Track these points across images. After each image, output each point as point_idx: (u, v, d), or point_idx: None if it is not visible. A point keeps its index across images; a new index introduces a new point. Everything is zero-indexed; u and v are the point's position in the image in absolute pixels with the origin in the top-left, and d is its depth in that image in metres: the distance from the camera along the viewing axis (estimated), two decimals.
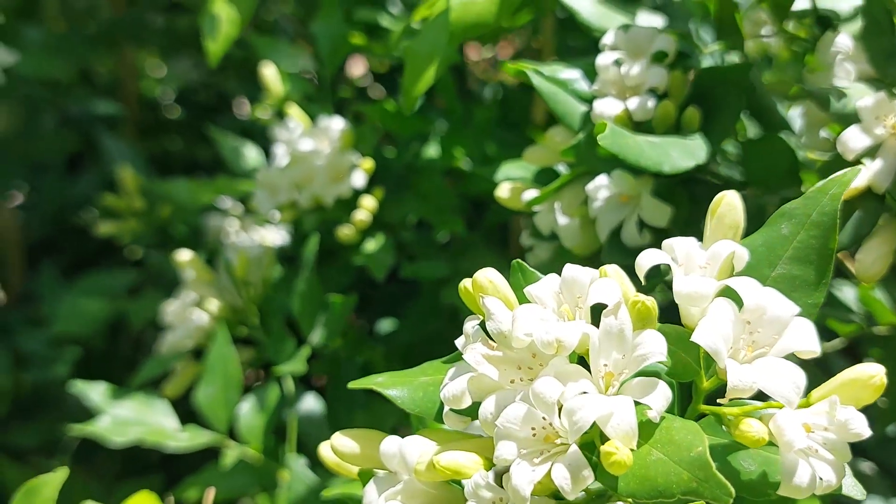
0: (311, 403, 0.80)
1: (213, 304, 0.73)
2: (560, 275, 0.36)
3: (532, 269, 0.39)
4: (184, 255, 0.77)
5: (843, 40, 0.46)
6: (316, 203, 0.77)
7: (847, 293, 0.62)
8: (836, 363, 0.76)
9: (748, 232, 0.51)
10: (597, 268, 0.54)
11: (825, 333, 0.66)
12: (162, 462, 1.34)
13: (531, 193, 0.53)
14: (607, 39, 0.50)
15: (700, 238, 0.51)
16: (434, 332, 0.91)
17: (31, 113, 1.18)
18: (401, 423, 0.79)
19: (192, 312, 0.74)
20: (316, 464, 0.76)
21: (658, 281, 0.47)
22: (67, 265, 1.72)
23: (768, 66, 0.58)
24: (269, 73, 0.90)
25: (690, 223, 0.53)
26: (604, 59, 0.49)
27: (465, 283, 0.37)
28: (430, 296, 0.88)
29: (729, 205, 0.36)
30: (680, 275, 0.35)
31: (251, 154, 0.96)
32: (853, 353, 0.70)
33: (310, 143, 0.78)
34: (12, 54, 1.01)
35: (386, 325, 1.13)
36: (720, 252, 0.35)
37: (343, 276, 0.84)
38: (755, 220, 0.51)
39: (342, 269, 0.83)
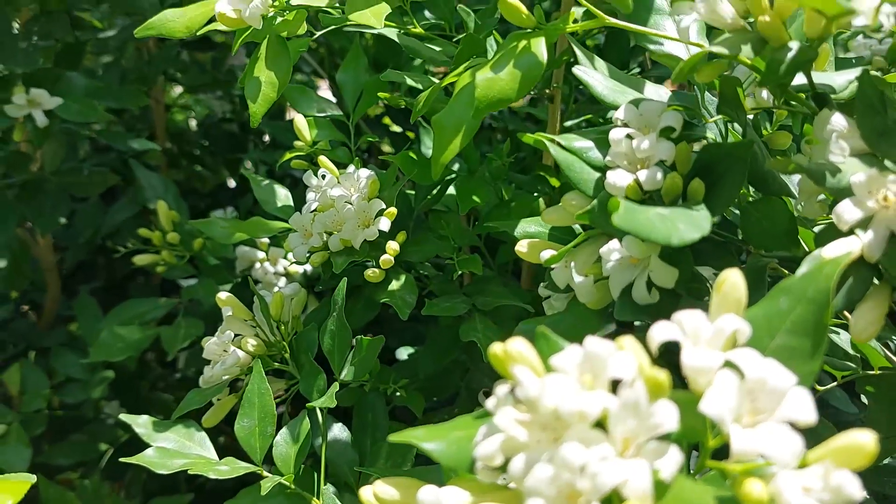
0: (337, 432, 0.85)
1: (250, 344, 0.78)
2: (581, 345, 0.40)
3: (555, 338, 0.43)
4: (223, 296, 0.82)
5: (838, 119, 0.50)
6: (344, 246, 0.83)
7: (843, 337, 0.66)
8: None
9: (749, 291, 0.55)
10: (611, 321, 0.59)
11: (823, 375, 0.70)
12: (187, 479, 1.40)
13: (548, 253, 0.57)
14: (619, 114, 0.55)
15: (700, 295, 0.56)
16: (452, 362, 0.95)
17: (71, 150, 1.24)
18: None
19: (230, 349, 0.79)
20: (342, 489, 0.81)
21: None
22: (100, 288, 1.79)
23: (768, 122, 0.63)
24: (300, 120, 0.96)
25: (695, 279, 0.58)
26: (616, 134, 0.54)
27: (496, 349, 0.42)
28: (448, 330, 0.92)
29: (732, 284, 0.40)
30: (689, 348, 0.39)
31: (282, 194, 1.01)
32: (849, 387, 0.74)
33: (339, 191, 0.83)
34: (55, 99, 1.07)
35: (405, 351, 1.18)
36: (725, 327, 0.39)
37: (368, 311, 0.89)
38: (756, 280, 0.56)
39: (367, 305, 0.88)
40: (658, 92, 0.58)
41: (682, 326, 0.40)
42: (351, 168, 0.87)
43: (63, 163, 1.22)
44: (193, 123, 2.15)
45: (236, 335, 0.82)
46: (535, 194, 0.96)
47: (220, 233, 0.99)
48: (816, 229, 0.55)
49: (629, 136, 0.53)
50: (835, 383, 0.69)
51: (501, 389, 0.41)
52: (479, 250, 0.96)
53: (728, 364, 0.38)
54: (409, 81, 0.83)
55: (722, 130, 0.59)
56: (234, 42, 0.74)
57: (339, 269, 0.80)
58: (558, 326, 0.60)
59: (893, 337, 0.73)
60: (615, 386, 0.38)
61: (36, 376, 1.33)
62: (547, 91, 0.96)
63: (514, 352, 0.40)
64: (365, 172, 0.84)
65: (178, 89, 1.86)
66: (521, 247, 0.61)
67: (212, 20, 0.74)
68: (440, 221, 0.90)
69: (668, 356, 0.42)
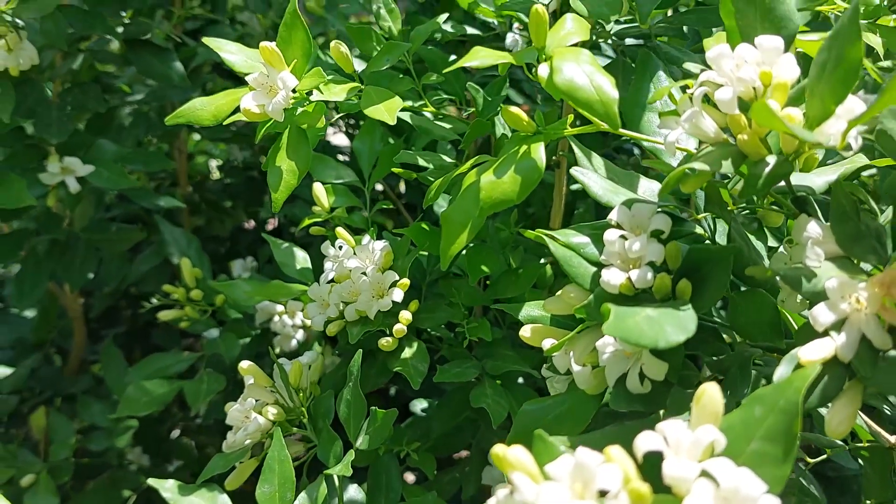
0: (352, 493, 0.89)
1: (271, 412, 0.82)
2: (574, 454, 0.44)
3: (551, 441, 0.47)
4: (245, 364, 0.87)
5: (813, 227, 0.54)
6: (360, 316, 0.87)
7: None
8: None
9: (735, 380, 0.59)
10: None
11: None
12: None
13: (549, 342, 0.62)
14: (613, 216, 0.59)
15: (691, 383, 0.60)
16: (462, 422, 1.00)
17: (98, 203, 1.31)
18: None
19: (251, 416, 0.84)
20: None
21: None
22: (124, 333, 1.86)
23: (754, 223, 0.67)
24: (318, 188, 1.01)
25: (686, 366, 0.62)
26: (610, 235, 0.58)
27: (498, 451, 0.46)
28: (459, 391, 0.97)
29: (710, 397, 0.44)
30: (670, 458, 0.43)
31: (300, 256, 1.06)
32: None
33: (355, 262, 0.88)
34: (87, 167, 1.13)
35: (420, 405, 1.22)
36: (703, 438, 0.43)
37: (382, 376, 0.94)
38: (742, 369, 0.60)
39: (381, 370, 0.92)
40: (651, 188, 0.63)
41: (664, 436, 0.44)
42: (366, 239, 0.92)
43: (91, 219, 1.28)
44: (214, 164, 2.23)
45: (257, 400, 0.86)
46: (542, 260, 1.01)
47: (241, 296, 1.04)
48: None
49: (623, 237, 0.58)
50: (823, 456, 0.72)
51: (502, 492, 0.45)
52: (490, 309, 1.01)
53: (706, 473, 0.42)
54: (421, 162, 0.88)
55: (710, 226, 0.64)
56: (258, 132, 0.79)
57: (354, 340, 0.85)
58: (559, 408, 0.64)
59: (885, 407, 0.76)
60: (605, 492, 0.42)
61: (62, 425, 1.38)
62: (553, 158, 1.01)
63: (512, 458, 0.45)
64: (379, 244, 0.89)
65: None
66: (525, 332, 0.65)
67: (237, 109, 0.80)
68: (451, 288, 0.95)
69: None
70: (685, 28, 0.93)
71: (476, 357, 0.95)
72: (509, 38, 1.10)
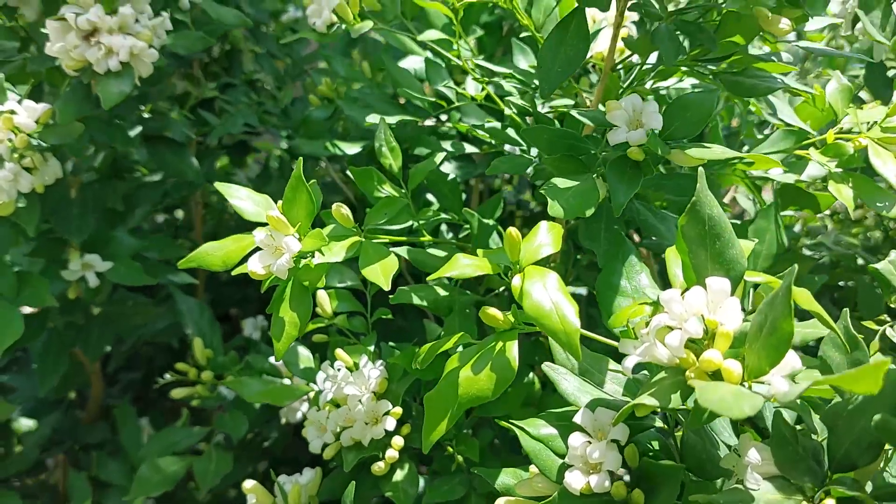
0: None
1: None
2: None
3: None
4: (248, 484, 0.94)
5: (754, 454, 0.60)
6: (354, 442, 0.94)
7: None
8: None
9: None
10: None
11: None
12: None
13: None
14: (577, 419, 0.65)
15: None
16: None
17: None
18: None
19: None
20: None
21: None
22: (139, 379, 1.94)
23: None
24: (321, 294, 1.08)
25: None
26: (574, 440, 0.64)
27: None
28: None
29: None
30: None
31: (304, 355, 1.13)
32: None
33: (352, 389, 0.94)
34: (106, 264, 1.20)
35: None
36: None
37: (374, 490, 1.00)
38: None
39: (373, 486, 0.99)
40: (616, 389, 0.69)
41: None
42: (363, 360, 0.99)
43: (112, 299, 1.35)
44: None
45: None
46: (531, 374, 1.07)
47: (249, 395, 1.12)
48: None
49: (587, 441, 0.64)
50: None
51: None
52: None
53: None
54: (416, 300, 0.94)
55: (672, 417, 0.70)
56: (263, 284, 0.86)
57: (349, 468, 0.92)
58: None
59: None
60: None
61: (80, 484, 1.47)
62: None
63: None
64: (375, 373, 0.96)
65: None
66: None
67: (248, 257, 0.86)
68: None
69: None
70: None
71: (468, 462, 1.01)
72: (507, 147, 1.16)
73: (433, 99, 1.10)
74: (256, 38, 1.84)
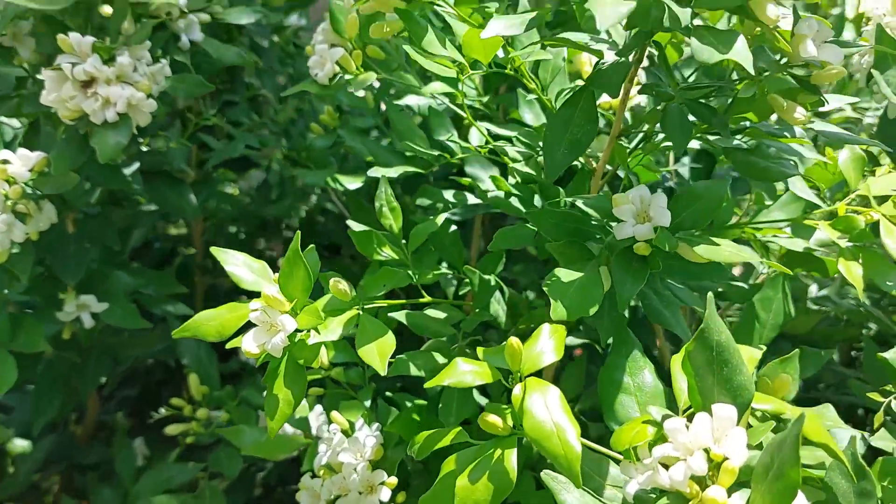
0: None
1: None
2: None
3: None
4: None
5: None
6: None
7: None
8: None
9: None
10: None
11: None
12: None
13: None
14: None
15: None
16: None
17: None
18: None
19: None
20: None
21: None
22: (135, 396, 1.94)
23: None
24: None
25: None
26: None
27: None
28: None
29: None
30: None
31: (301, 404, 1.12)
32: None
33: (347, 457, 0.93)
34: (102, 305, 1.18)
35: None
36: None
37: None
38: None
39: None
40: (615, 494, 0.67)
41: None
42: (359, 423, 0.98)
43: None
44: None
45: None
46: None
47: (245, 448, 1.11)
48: None
49: None
50: None
51: None
52: None
53: None
54: (413, 371, 0.92)
55: None
56: (258, 359, 0.84)
57: None
58: None
59: None
60: None
61: None
62: None
63: None
64: (371, 440, 0.94)
65: None
66: None
67: (242, 329, 0.84)
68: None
69: None
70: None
71: None
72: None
73: (436, 153, 1.08)
74: (258, 53, 1.81)
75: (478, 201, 1.15)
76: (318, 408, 1.07)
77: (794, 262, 1.07)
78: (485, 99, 1.21)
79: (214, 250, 0.89)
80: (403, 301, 0.96)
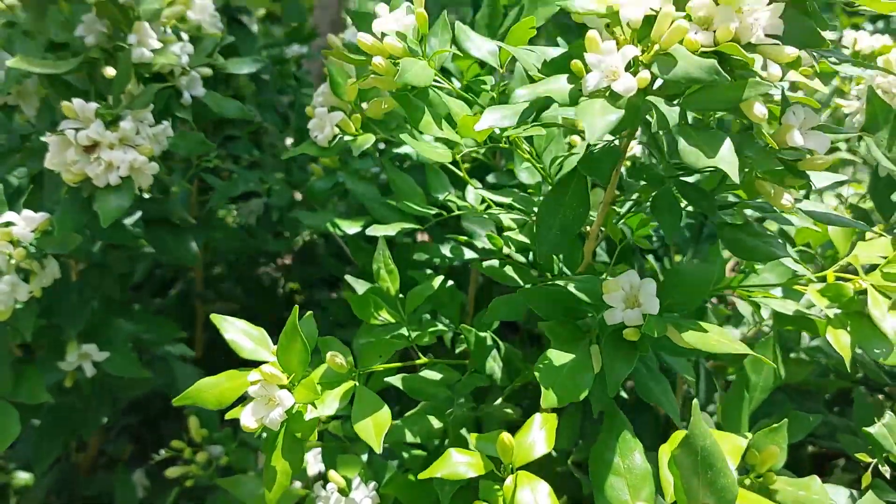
0: None
1: None
2: None
3: None
4: None
5: None
6: None
7: None
8: None
9: None
10: None
11: None
12: None
13: None
14: None
15: None
16: None
17: None
18: None
19: None
20: None
21: None
22: (136, 423, 1.96)
23: None
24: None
25: None
26: None
27: None
28: None
29: None
30: None
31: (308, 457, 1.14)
32: None
33: None
34: (103, 354, 1.20)
35: None
36: None
37: None
38: None
39: None
40: None
41: None
42: (356, 482, 0.99)
43: None
44: None
45: None
46: None
47: (244, 497, 1.12)
48: None
49: None
50: None
51: None
52: None
53: None
54: (409, 437, 0.94)
55: None
56: (256, 431, 0.86)
57: None
58: None
59: None
60: None
61: None
62: None
63: None
64: (367, 502, 0.96)
65: None
66: None
67: (242, 398, 0.86)
68: None
69: None
70: None
71: None
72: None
73: (434, 211, 1.10)
74: (258, 86, 1.82)
75: (474, 255, 1.16)
76: (315, 453, 1.09)
77: (784, 322, 1.09)
78: (482, 150, 1.23)
79: (214, 318, 0.91)
80: (399, 364, 0.98)
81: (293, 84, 1.94)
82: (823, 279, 0.97)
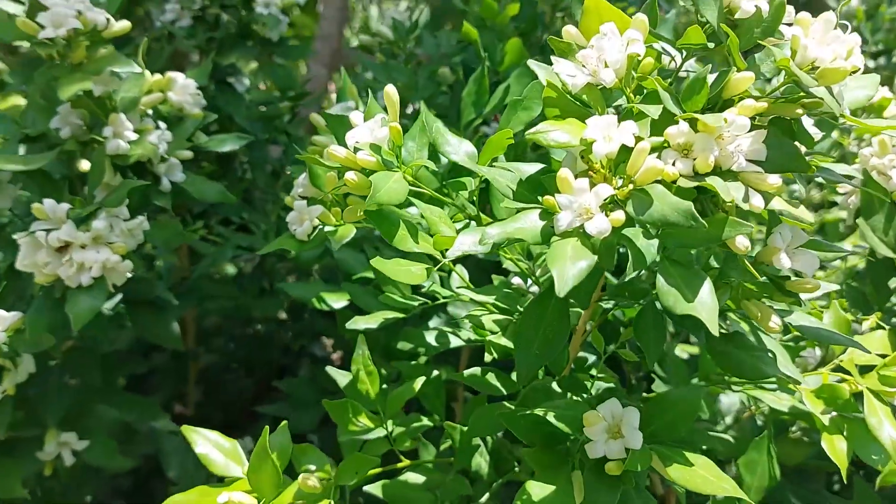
0: None
1: None
2: None
3: None
4: None
5: None
6: None
7: None
8: None
9: None
10: None
11: None
12: None
13: None
14: None
15: None
16: None
17: None
18: None
19: None
20: None
21: None
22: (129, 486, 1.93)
23: None
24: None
25: None
26: None
27: None
28: None
29: None
30: None
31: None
32: None
33: None
34: (83, 442, 1.18)
35: None
36: None
37: None
38: None
39: None
40: None
41: None
42: None
43: None
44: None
45: None
46: None
47: None
48: None
49: None
50: None
51: None
52: None
53: None
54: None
55: None
56: None
57: None
58: None
59: None
60: None
61: None
62: None
63: None
64: None
65: None
66: None
67: None
68: None
69: None
70: None
71: None
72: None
73: (418, 302, 1.07)
74: (248, 145, 1.81)
75: (461, 343, 1.13)
76: None
77: (780, 414, 1.05)
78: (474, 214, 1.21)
79: (185, 430, 0.88)
80: (379, 470, 0.94)
81: (284, 140, 1.92)
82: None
